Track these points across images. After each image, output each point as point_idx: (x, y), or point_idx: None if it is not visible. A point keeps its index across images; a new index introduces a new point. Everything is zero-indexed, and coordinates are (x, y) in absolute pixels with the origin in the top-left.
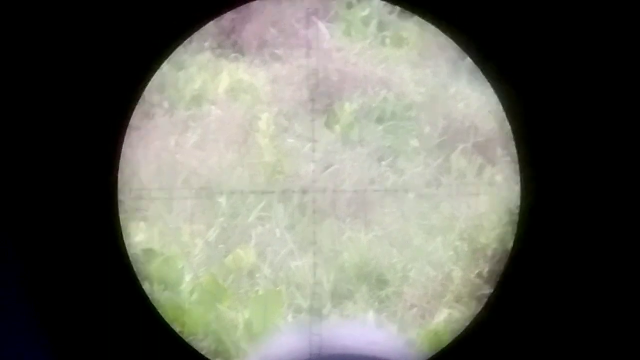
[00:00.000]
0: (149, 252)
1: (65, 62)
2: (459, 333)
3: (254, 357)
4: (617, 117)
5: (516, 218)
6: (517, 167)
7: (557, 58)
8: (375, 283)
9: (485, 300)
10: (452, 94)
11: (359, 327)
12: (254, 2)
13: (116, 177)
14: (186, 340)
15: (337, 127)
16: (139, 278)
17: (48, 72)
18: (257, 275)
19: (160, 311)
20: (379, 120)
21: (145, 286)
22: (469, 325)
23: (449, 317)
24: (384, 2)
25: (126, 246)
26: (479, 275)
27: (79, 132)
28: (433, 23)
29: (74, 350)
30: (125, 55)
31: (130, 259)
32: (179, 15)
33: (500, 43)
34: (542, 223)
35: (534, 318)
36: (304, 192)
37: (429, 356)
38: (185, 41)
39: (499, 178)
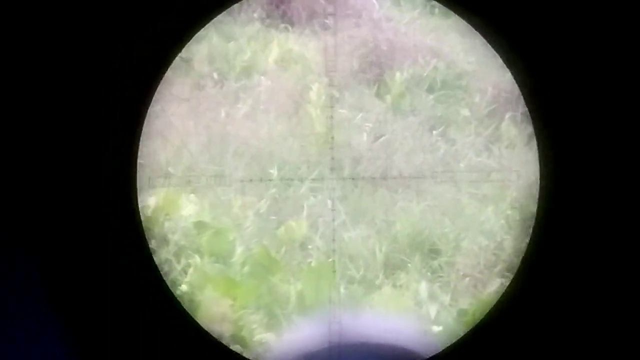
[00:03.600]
0: (199, 224)
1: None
2: (474, 325)
3: (274, 345)
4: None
5: None
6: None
7: (573, 40)
8: (427, 253)
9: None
10: (501, 63)
11: (377, 315)
12: None
13: (135, 164)
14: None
15: (388, 97)
16: (157, 262)
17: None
18: (310, 246)
19: (179, 300)
20: (430, 89)
21: (196, 259)
22: (484, 317)
23: (502, 287)
24: None
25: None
26: None
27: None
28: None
29: (92, 338)
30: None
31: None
32: None
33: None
34: (561, 205)
35: (552, 307)
36: (356, 162)
37: (445, 345)
38: (228, 12)
39: None
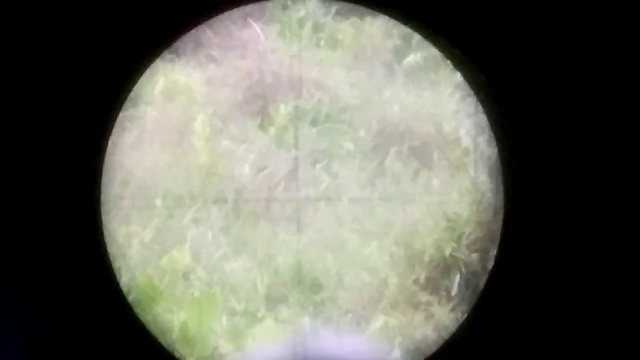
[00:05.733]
0: None
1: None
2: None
3: None
4: (597, 128)
5: (453, 224)
6: (499, 173)
7: (541, 69)
8: (309, 287)
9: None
10: (387, 97)
11: (342, 335)
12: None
13: (100, 183)
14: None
15: (272, 130)
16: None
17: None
18: (192, 277)
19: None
20: (314, 122)
21: None
22: (454, 333)
23: (385, 324)
24: (319, 4)
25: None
26: (416, 281)
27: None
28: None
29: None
30: (104, 67)
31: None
32: (158, 26)
33: (488, 54)
34: (523, 230)
35: (517, 324)
36: (239, 194)
37: None
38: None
39: (435, 183)
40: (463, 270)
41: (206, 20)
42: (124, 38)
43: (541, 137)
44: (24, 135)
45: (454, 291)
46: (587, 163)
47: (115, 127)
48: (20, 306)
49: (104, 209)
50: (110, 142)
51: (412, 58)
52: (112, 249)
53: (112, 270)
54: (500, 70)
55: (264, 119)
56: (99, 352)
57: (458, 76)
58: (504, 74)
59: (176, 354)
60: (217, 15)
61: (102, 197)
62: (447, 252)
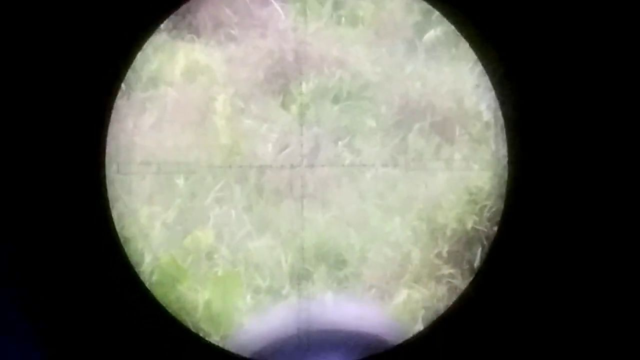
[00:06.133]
0: None
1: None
2: (443, 311)
3: (242, 331)
4: (606, 116)
5: (475, 198)
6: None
7: (553, 51)
8: (333, 264)
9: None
10: (408, 74)
11: (346, 302)
12: None
13: (103, 160)
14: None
15: (293, 108)
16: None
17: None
18: (216, 256)
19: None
20: (335, 100)
21: None
22: (452, 305)
23: (408, 298)
24: None
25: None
26: (438, 255)
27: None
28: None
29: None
30: (104, 41)
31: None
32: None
33: (502, 34)
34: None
35: (520, 293)
36: (261, 172)
37: (414, 332)
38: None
39: (457, 157)
40: (485, 242)
41: None
42: (121, 12)
43: (548, 114)
44: (20, 117)
45: (476, 263)
46: (594, 148)
47: (135, 108)
48: (37, 297)
49: (125, 190)
50: (127, 123)
51: (432, 33)
52: (135, 230)
53: (125, 253)
54: (514, 52)
55: (285, 97)
56: (119, 337)
57: None
58: (517, 55)
59: (201, 333)
60: None
61: (124, 177)
62: (469, 225)
